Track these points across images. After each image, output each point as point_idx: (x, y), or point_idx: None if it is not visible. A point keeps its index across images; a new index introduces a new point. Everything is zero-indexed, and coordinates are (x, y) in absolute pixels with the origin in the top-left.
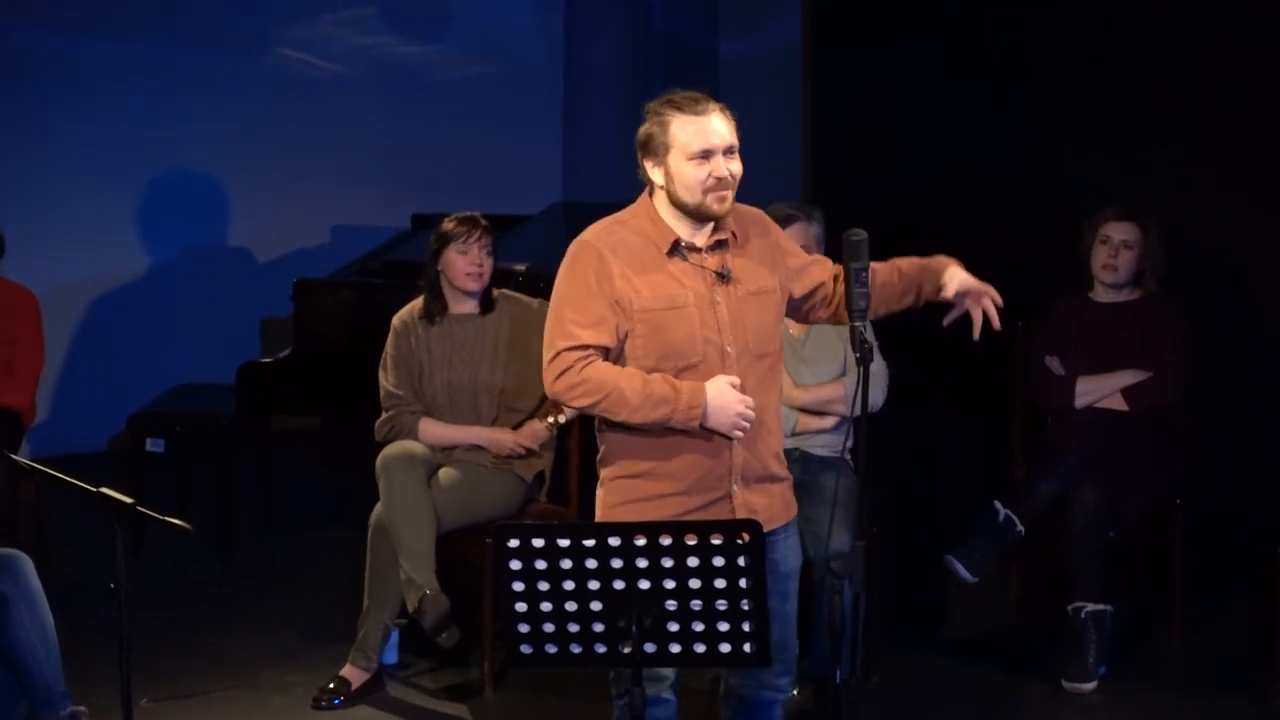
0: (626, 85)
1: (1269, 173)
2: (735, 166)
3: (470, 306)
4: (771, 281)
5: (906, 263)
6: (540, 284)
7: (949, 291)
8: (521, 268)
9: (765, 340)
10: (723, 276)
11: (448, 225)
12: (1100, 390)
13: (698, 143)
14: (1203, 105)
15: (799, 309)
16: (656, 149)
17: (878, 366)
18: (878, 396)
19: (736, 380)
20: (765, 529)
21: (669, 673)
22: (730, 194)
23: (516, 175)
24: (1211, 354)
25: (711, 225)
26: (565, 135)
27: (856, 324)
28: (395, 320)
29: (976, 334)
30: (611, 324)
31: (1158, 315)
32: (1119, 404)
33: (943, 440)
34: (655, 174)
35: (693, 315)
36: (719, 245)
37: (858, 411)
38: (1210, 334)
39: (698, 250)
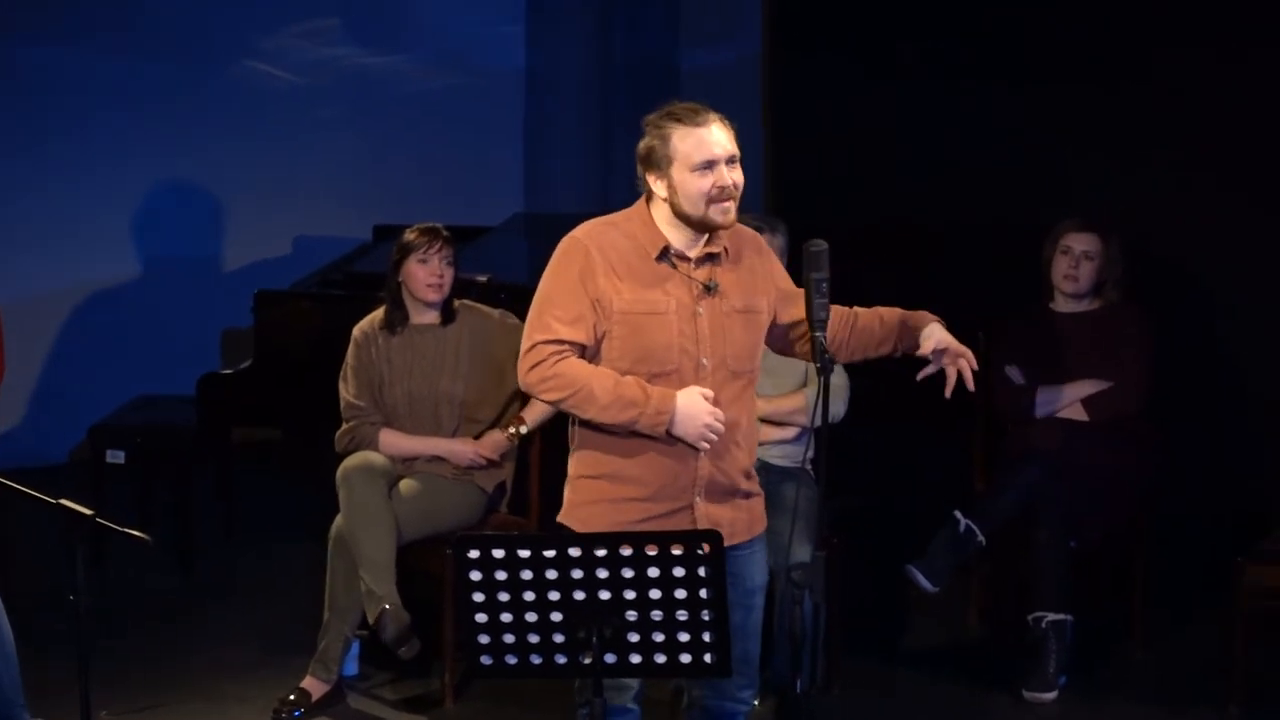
0: (588, 97)
1: (1237, 176)
2: (738, 176)
3: (431, 317)
4: (759, 302)
5: (889, 312)
6: (501, 295)
7: (925, 348)
8: (482, 278)
9: (744, 358)
10: (709, 289)
11: (409, 236)
12: (1060, 400)
13: (700, 154)
14: (1170, 112)
15: (783, 337)
16: (659, 162)
17: (839, 377)
18: (839, 407)
19: (710, 393)
20: (729, 542)
21: (633, 683)
22: (733, 205)
23: (478, 186)
24: (1178, 361)
25: (705, 237)
26: (526, 146)
27: (817, 334)
28: (356, 331)
29: (949, 393)
30: (590, 322)
31: (1118, 325)
32: (1079, 414)
33: (904, 451)
34: (658, 187)
35: (672, 323)
36: (709, 258)
37: (819, 422)
38: (1178, 340)
39: (687, 260)
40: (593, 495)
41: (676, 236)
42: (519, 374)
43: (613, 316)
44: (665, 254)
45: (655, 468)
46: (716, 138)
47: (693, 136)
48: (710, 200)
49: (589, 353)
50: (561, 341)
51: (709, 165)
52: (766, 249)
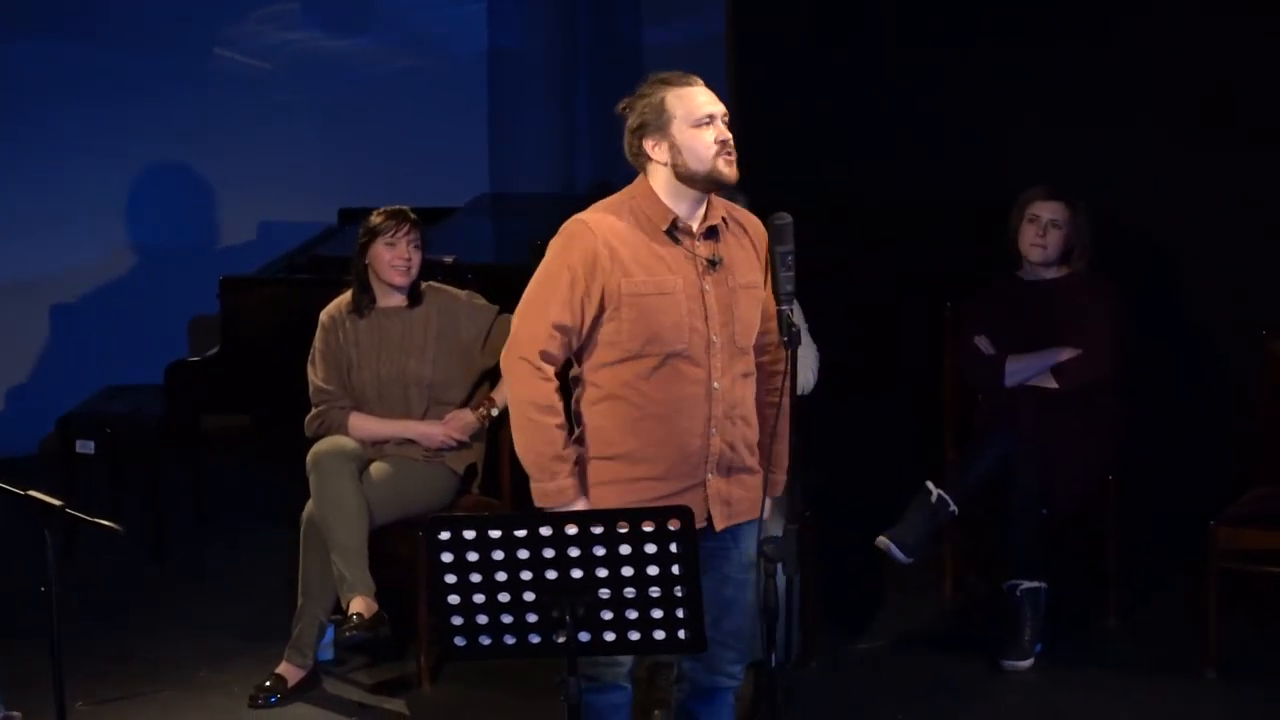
0: (551, 76)
1: (1202, 143)
2: (730, 135)
3: (398, 300)
4: (759, 278)
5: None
6: (468, 275)
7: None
8: (449, 259)
9: (747, 333)
10: (713, 264)
11: (375, 219)
12: (1029, 369)
13: (699, 109)
14: (1135, 79)
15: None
16: (660, 125)
17: (807, 349)
18: (808, 379)
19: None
20: (734, 520)
21: (626, 660)
22: (734, 160)
23: (443, 168)
24: (1147, 328)
25: (705, 208)
26: (491, 127)
27: (783, 307)
28: (323, 315)
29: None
30: (574, 332)
31: (1086, 293)
32: (1049, 382)
33: (876, 422)
34: (658, 152)
35: (680, 302)
36: (711, 232)
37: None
38: (1146, 307)
39: (691, 235)
40: (606, 476)
41: (680, 206)
42: (503, 350)
43: (621, 300)
44: (674, 227)
45: (669, 447)
46: (706, 95)
47: (686, 94)
48: (716, 154)
49: (577, 343)
50: (550, 355)
51: (709, 119)
52: (764, 236)
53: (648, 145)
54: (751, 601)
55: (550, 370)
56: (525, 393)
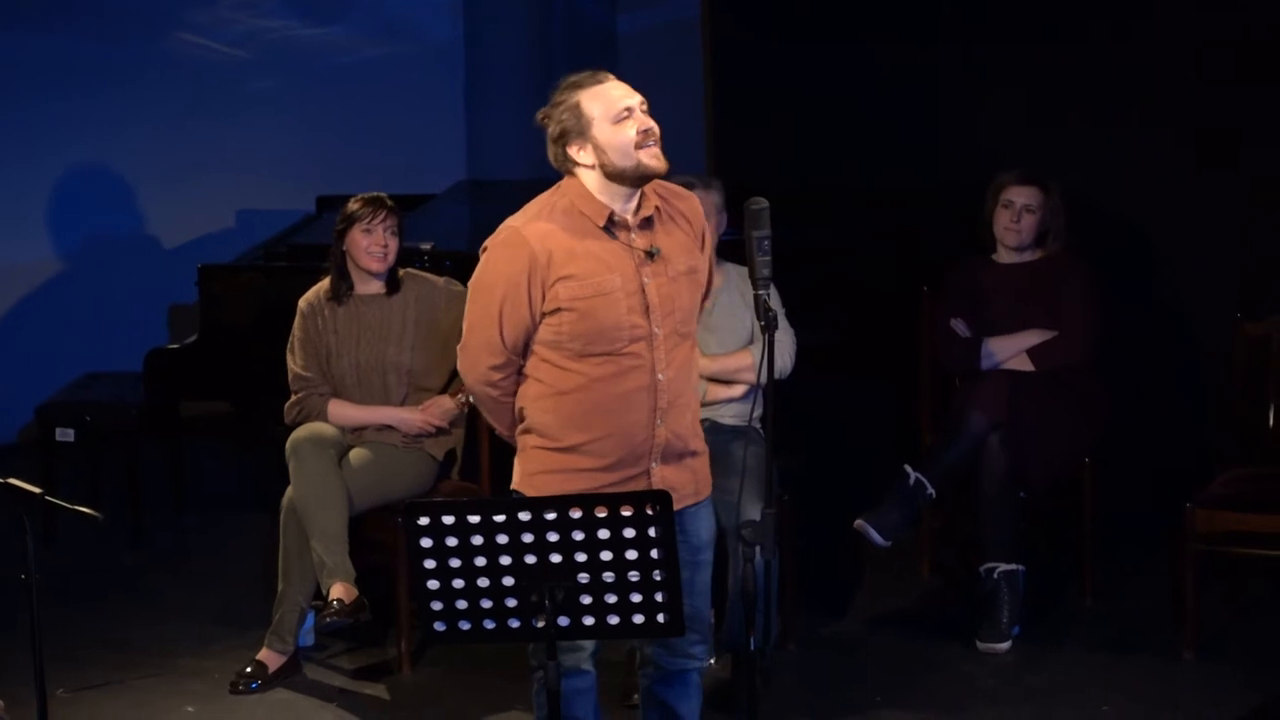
0: (528, 61)
1: (1174, 125)
2: (654, 122)
3: (376, 287)
4: (699, 261)
5: None
6: (446, 262)
7: None
8: (427, 246)
9: (689, 320)
10: (651, 255)
11: (353, 206)
12: (1005, 352)
13: (614, 105)
14: (1112, 66)
15: None
16: (580, 129)
17: (784, 334)
18: (785, 363)
19: None
20: (680, 504)
21: (588, 645)
22: (659, 149)
23: (420, 154)
24: (1121, 309)
25: (638, 199)
26: (468, 113)
27: (760, 292)
28: (302, 302)
29: None
30: (519, 340)
31: (1061, 275)
32: (1025, 365)
33: (853, 406)
34: (583, 155)
35: (620, 301)
36: (646, 223)
37: (765, 379)
38: (1121, 288)
39: (627, 228)
40: (548, 465)
41: (615, 202)
42: (459, 364)
43: (561, 303)
44: (610, 222)
45: (615, 440)
46: (620, 89)
47: (600, 93)
48: (639, 146)
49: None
50: (502, 366)
51: (626, 112)
52: (700, 213)
53: (572, 151)
54: (706, 583)
55: (508, 383)
56: (491, 416)
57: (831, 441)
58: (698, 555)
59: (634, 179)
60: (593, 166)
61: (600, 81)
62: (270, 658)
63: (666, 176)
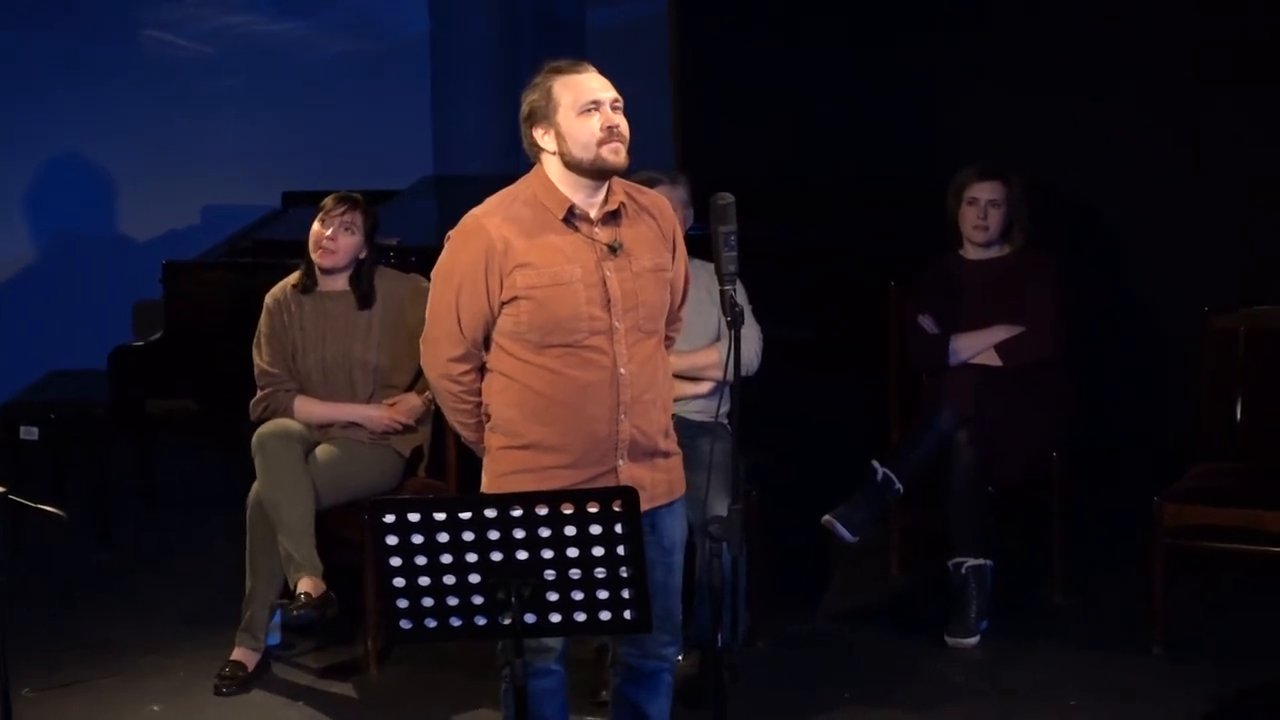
0: (495, 57)
1: (1141, 123)
2: (624, 121)
3: (342, 284)
4: (665, 260)
5: None
6: (411, 258)
7: None
8: (392, 242)
9: (655, 317)
10: (613, 249)
11: (325, 199)
12: (973, 347)
13: (583, 96)
14: (1075, 60)
15: None
16: (547, 113)
17: (750, 330)
18: (752, 360)
19: None
20: (651, 504)
21: (555, 643)
22: (623, 147)
23: (386, 151)
24: (1089, 303)
25: (604, 194)
26: (435, 109)
27: (726, 288)
28: (268, 298)
29: None
30: (478, 331)
31: (1028, 270)
32: (993, 360)
33: (821, 402)
34: (546, 140)
35: (579, 292)
36: (610, 217)
37: (731, 376)
38: (1088, 282)
39: (590, 221)
40: (515, 465)
41: (578, 194)
42: (422, 358)
43: (518, 292)
44: (571, 215)
45: (578, 434)
46: (597, 82)
47: (574, 81)
48: (600, 142)
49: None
50: (463, 358)
51: (594, 105)
52: (672, 217)
53: (537, 134)
54: (678, 585)
55: (468, 379)
56: (451, 414)
57: (799, 437)
58: (669, 556)
59: (591, 173)
60: (555, 154)
61: (579, 71)
62: (245, 656)
63: (632, 168)
